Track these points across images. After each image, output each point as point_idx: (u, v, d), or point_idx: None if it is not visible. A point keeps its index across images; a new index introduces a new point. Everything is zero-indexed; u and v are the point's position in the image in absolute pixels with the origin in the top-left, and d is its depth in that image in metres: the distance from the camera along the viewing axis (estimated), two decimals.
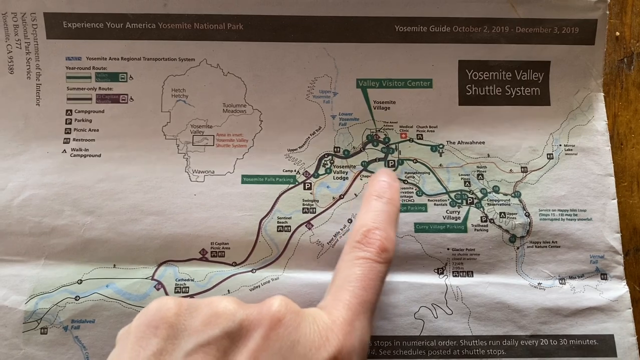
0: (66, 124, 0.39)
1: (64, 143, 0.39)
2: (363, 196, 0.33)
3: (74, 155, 0.39)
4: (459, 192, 0.39)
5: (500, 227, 0.38)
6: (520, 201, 0.39)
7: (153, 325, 0.24)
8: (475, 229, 0.38)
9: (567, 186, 0.39)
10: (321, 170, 0.39)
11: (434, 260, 0.38)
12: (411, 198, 0.38)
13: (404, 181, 0.39)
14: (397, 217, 0.32)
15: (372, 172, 0.39)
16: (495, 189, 0.39)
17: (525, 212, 0.38)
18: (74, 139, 0.39)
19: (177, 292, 0.37)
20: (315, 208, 0.38)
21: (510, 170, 0.39)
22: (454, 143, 0.39)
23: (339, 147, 0.39)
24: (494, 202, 0.38)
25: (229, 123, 0.39)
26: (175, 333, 0.24)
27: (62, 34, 0.39)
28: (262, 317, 0.24)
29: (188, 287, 0.37)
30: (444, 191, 0.39)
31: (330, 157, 0.39)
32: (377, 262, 0.29)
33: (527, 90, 0.40)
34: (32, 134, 0.39)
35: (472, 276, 0.38)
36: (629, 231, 0.40)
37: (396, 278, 0.37)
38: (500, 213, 0.38)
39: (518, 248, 0.38)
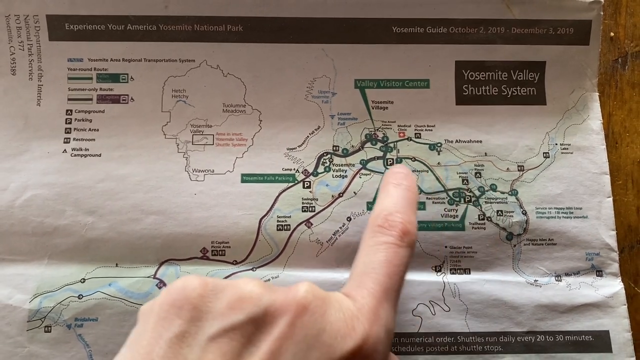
0: (66, 123, 0.39)
1: (64, 143, 0.39)
2: (381, 186, 0.32)
3: (75, 155, 0.39)
4: (457, 190, 0.39)
5: (497, 225, 0.39)
6: (517, 199, 0.39)
7: (177, 305, 0.23)
8: (472, 227, 0.38)
9: (563, 184, 0.39)
10: (320, 169, 0.39)
11: (432, 258, 0.38)
12: None
13: None
14: (416, 204, 0.31)
15: (371, 171, 0.39)
16: (493, 187, 0.39)
17: (522, 210, 0.39)
18: (74, 139, 0.39)
19: None
20: (314, 206, 0.39)
21: (507, 168, 0.39)
22: (451, 142, 0.40)
23: (338, 146, 0.39)
24: (492, 200, 0.39)
25: (228, 122, 0.40)
26: (198, 315, 0.23)
27: (64, 36, 0.40)
28: (287, 304, 0.24)
29: None
30: (442, 189, 0.39)
31: (329, 155, 0.39)
32: (400, 246, 0.28)
33: (523, 90, 0.41)
34: (32, 134, 0.39)
35: (470, 274, 0.38)
36: (623, 229, 0.40)
37: None
38: (498, 211, 0.39)
39: (515, 246, 0.38)
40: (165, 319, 0.23)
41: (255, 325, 0.23)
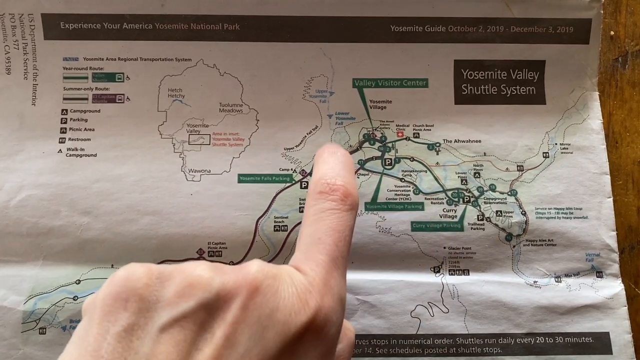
0: (61, 123, 0.39)
1: (59, 143, 0.39)
2: (315, 159, 0.31)
3: (70, 155, 0.38)
4: (456, 191, 0.39)
5: (496, 225, 0.38)
6: (517, 200, 0.39)
7: (122, 297, 0.22)
8: (471, 228, 0.38)
9: (563, 185, 0.39)
10: None
11: (431, 259, 0.38)
12: (408, 197, 0.39)
13: (400, 179, 0.39)
14: (353, 168, 0.30)
15: (369, 171, 0.39)
16: (492, 188, 0.39)
17: (521, 210, 0.39)
18: (69, 139, 0.39)
19: None
20: None
21: (507, 168, 0.39)
22: (450, 142, 0.40)
23: None
24: (491, 201, 0.39)
25: (225, 122, 0.39)
26: (147, 305, 0.22)
27: (60, 35, 0.39)
28: (239, 286, 0.23)
29: None
30: (441, 189, 0.39)
31: None
32: (343, 210, 0.27)
33: (523, 89, 0.40)
34: (28, 133, 0.39)
35: (469, 275, 0.38)
36: (624, 229, 0.40)
37: (393, 277, 0.38)
38: (497, 211, 0.38)
39: (514, 246, 0.38)
40: (111, 312, 0.22)
41: (207, 311, 0.22)
